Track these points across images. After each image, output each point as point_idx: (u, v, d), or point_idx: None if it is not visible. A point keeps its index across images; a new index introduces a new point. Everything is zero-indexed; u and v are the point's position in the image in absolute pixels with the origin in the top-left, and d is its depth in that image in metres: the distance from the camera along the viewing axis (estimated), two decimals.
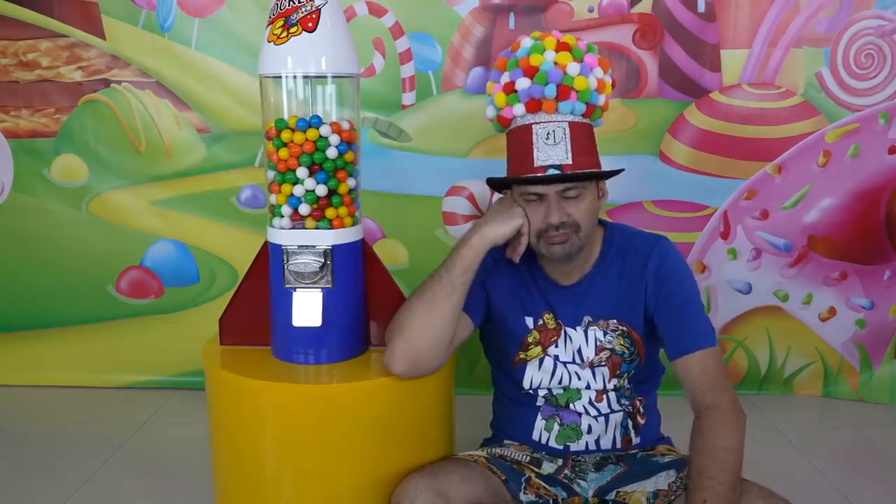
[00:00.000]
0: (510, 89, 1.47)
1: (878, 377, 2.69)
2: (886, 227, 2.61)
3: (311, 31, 1.52)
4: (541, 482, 1.54)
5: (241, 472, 1.61)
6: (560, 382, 1.59)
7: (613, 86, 1.52)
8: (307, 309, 1.58)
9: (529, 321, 1.60)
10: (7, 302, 2.79)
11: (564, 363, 1.59)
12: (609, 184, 1.59)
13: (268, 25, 1.56)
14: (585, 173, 1.46)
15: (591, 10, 2.52)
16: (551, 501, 1.54)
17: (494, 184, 1.59)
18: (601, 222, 1.61)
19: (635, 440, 1.62)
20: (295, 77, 1.58)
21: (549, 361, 1.59)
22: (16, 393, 2.77)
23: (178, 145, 2.65)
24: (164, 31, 2.57)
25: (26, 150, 2.68)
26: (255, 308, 1.69)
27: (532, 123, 1.46)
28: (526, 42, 1.49)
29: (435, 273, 1.51)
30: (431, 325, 1.49)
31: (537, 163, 1.44)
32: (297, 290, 1.59)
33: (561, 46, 1.46)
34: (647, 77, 2.55)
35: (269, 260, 1.64)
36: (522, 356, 1.61)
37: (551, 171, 1.44)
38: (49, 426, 2.53)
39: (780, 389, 2.76)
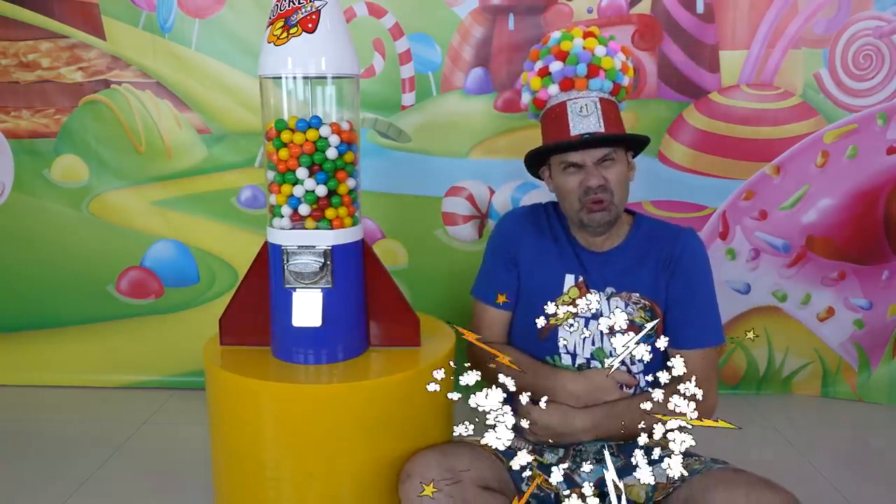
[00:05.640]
0: (544, 73, 1.60)
1: (877, 377, 2.70)
2: (885, 227, 2.61)
3: (311, 31, 1.52)
4: (542, 473, 1.56)
5: (240, 471, 1.61)
6: (593, 343, 1.63)
7: (635, 71, 1.66)
8: (307, 309, 1.58)
9: (570, 278, 1.65)
10: (7, 302, 2.79)
11: (592, 319, 1.63)
12: None
13: (268, 26, 1.56)
14: (618, 135, 1.57)
15: (590, 11, 2.52)
16: (553, 495, 1.54)
17: (532, 161, 1.67)
18: (630, 211, 1.71)
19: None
20: (295, 78, 1.57)
21: (578, 322, 1.64)
22: (16, 393, 2.77)
23: (178, 146, 2.65)
24: (165, 32, 2.57)
25: (27, 150, 2.68)
26: (255, 308, 1.69)
27: (566, 100, 1.58)
28: (555, 34, 1.64)
29: (531, 375, 1.60)
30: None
31: (573, 132, 1.55)
32: (297, 290, 1.59)
33: (587, 34, 1.61)
34: (646, 78, 2.55)
35: (269, 260, 1.64)
36: (553, 321, 1.63)
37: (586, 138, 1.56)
38: (49, 426, 2.53)
39: (779, 389, 2.76)
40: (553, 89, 1.59)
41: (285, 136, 1.57)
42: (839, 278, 2.65)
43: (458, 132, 2.59)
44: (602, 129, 1.54)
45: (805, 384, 2.75)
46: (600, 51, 1.57)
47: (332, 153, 1.57)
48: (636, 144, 1.65)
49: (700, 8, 2.51)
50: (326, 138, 1.56)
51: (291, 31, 1.52)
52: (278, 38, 1.53)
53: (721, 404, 2.60)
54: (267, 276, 1.65)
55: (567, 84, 1.57)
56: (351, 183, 1.62)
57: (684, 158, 2.60)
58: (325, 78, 1.60)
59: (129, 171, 2.67)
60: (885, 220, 2.60)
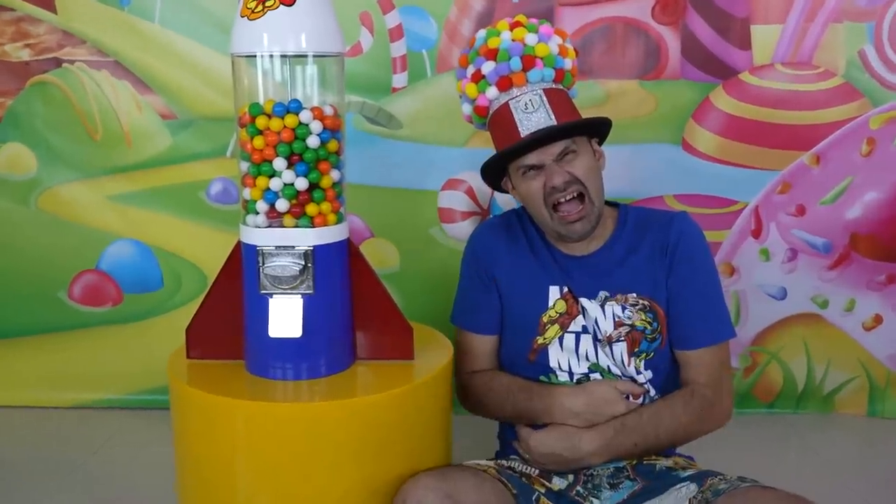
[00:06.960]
0: (478, 77, 1.62)
1: None
2: None
3: (290, 4, 1.52)
4: (550, 503, 1.56)
5: (211, 500, 1.62)
6: (587, 358, 1.64)
7: (577, 53, 1.67)
8: (285, 317, 1.59)
9: (555, 290, 1.66)
10: None
11: (583, 332, 1.65)
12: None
13: None
14: (571, 124, 1.57)
15: None
16: None
17: (488, 173, 1.68)
18: (614, 203, 1.72)
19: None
20: (271, 56, 1.58)
21: (569, 338, 1.65)
22: None
23: (139, 133, 2.66)
24: (124, 5, 2.58)
25: None
26: (226, 317, 1.70)
27: (508, 101, 1.59)
28: (480, 33, 1.66)
29: (525, 398, 1.66)
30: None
31: (523, 133, 1.57)
32: (274, 296, 1.60)
33: (514, 25, 1.63)
34: (668, 56, 2.57)
35: (243, 262, 1.64)
36: (541, 341, 1.66)
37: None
38: None
39: (820, 408, 2.77)
40: (491, 92, 1.61)
41: (261, 122, 1.57)
42: (887, 282, 2.66)
43: (456, 118, 2.57)
44: (554, 122, 1.56)
45: (849, 402, 2.76)
46: (531, 39, 1.59)
47: (313, 141, 1.57)
48: (598, 130, 1.66)
49: None
50: (307, 125, 1.57)
51: (267, 3, 1.53)
52: (253, 12, 1.54)
53: (755, 424, 2.64)
54: (240, 281, 1.66)
55: (505, 83, 1.59)
56: (335, 175, 1.63)
57: (711, 147, 2.61)
58: (305, 56, 1.60)
59: (84, 162, 2.68)
60: None
